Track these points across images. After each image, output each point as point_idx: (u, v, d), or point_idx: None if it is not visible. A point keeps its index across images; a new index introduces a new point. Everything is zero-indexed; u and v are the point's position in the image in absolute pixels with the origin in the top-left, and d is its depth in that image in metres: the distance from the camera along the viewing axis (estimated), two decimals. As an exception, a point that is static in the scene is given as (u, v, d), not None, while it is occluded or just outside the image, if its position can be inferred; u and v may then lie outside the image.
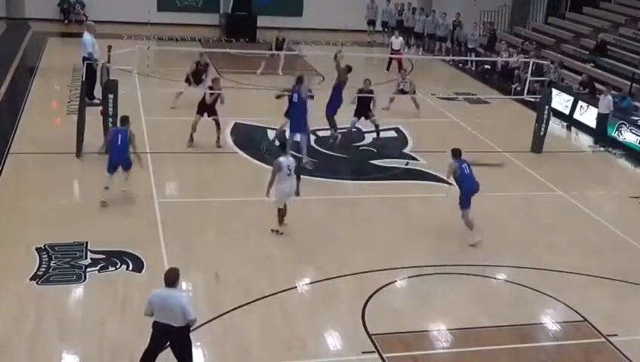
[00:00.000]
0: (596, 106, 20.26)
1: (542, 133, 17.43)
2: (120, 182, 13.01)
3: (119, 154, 12.88)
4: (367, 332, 9.54)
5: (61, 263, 10.74)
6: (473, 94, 22.83)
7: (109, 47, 15.40)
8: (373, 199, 14.22)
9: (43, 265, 10.62)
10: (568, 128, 20.68)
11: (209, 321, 9.48)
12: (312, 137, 16.05)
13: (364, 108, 16.98)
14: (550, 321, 10.23)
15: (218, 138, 16.26)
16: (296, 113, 15.16)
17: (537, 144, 17.43)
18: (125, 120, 13.29)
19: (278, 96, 16.59)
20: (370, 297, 10.42)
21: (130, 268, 10.76)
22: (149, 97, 18.62)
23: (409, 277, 11.23)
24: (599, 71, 23.73)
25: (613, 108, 18.87)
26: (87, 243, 11.30)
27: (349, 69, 16.61)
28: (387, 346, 9.25)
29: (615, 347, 9.62)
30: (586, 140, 19.83)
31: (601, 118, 18.97)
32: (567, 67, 24.02)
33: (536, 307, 10.65)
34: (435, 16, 29.26)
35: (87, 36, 18.46)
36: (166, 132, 17.01)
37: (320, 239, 12.27)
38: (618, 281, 11.39)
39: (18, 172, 14.24)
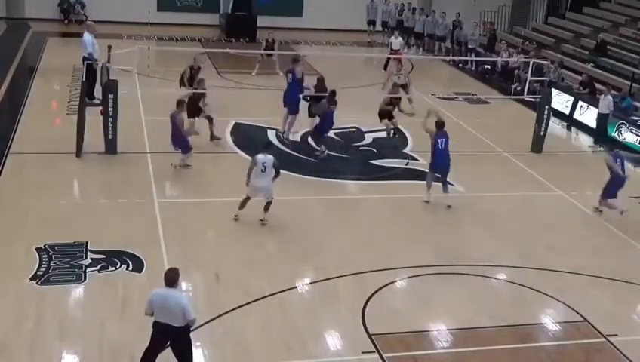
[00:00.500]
0: (596, 106, 20.28)
1: (542, 133, 17.43)
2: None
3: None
4: (367, 332, 9.54)
5: (61, 263, 10.73)
6: (473, 94, 22.84)
7: (109, 47, 15.41)
8: (373, 199, 14.21)
9: (43, 265, 10.62)
10: (568, 128, 20.68)
11: (209, 321, 9.48)
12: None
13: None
14: (550, 321, 10.23)
15: (212, 133, 16.33)
16: (291, 93, 15.26)
17: (537, 144, 17.43)
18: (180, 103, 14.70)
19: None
20: (370, 297, 10.42)
21: (130, 268, 10.76)
22: (149, 97, 18.61)
23: (409, 277, 11.22)
24: (599, 71, 23.73)
25: (613, 108, 18.86)
26: (87, 243, 11.30)
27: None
28: (387, 346, 9.24)
29: (615, 347, 9.62)
30: (586, 140, 19.84)
31: (602, 118, 18.95)
32: (567, 67, 24.02)
33: (536, 307, 10.65)
34: (435, 16, 29.28)
35: (87, 36, 18.47)
36: (166, 132, 16.97)
37: (320, 239, 12.27)
38: (618, 281, 11.39)
39: (18, 172, 14.24)
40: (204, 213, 12.96)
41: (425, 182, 14.01)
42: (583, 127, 20.28)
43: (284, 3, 32.06)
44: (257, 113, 18.48)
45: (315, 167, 15.44)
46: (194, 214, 12.87)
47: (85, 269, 10.61)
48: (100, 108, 15.43)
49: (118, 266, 10.77)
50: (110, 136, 15.10)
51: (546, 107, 17.40)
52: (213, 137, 16.37)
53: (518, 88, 22.64)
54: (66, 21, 30.42)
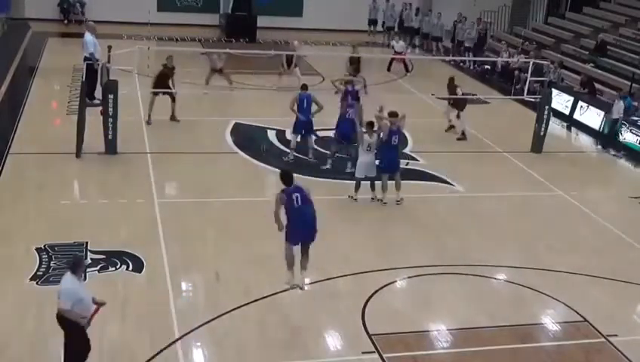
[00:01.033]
0: (596, 106, 20.30)
1: (542, 133, 17.43)
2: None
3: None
4: (367, 332, 9.54)
5: (61, 263, 10.71)
6: (473, 94, 22.81)
7: (109, 47, 15.41)
8: (373, 199, 14.20)
9: (43, 265, 10.62)
10: (568, 128, 20.68)
11: (209, 321, 9.47)
12: (312, 137, 16.03)
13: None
14: (550, 321, 10.23)
15: (173, 113, 17.41)
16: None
17: (537, 144, 17.43)
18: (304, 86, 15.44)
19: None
20: (370, 297, 10.42)
21: (130, 268, 10.75)
22: (149, 97, 18.58)
23: (409, 277, 11.23)
24: (599, 71, 23.73)
25: (623, 113, 18.66)
26: (87, 243, 11.30)
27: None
28: (387, 346, 9.24)
29: (615, 347, 9.62)
30: (586, 140, 19.84)
31: (613, 123, 18.71)
32: (567, 67, 24.00)
33: (536, 307, 10.65)
34: (431, 16, 29.32)
35: (88, 36, 18.46)
36: (166, 132, 17.02)
37: (320, 239, 12.24)
38: (618, 281, 11.39)
39: (18, 172, 14.24)
40: (204, 213, 12.96)
41: (425, 182, 14.03)
42: (583, 128, 20.28)
43: (284, 3, 32.06)
44: (257, 113, 18.48)
45: (315, 167, 15.43)
46: (194, 214, 12.87)
47: (85, 269, 10.59)
48: (100, 108, 15.43)
49: (118, 266, 10.77)
50: (110, 137, 15.10)
51: (546, 107, 17.40)
52: (173, 118, 17.31)
53: (517, 86, 22.66)
54: (65, 21, 30.43)
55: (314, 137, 15.95)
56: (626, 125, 18.69)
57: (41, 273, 10.42)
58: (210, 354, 8.93)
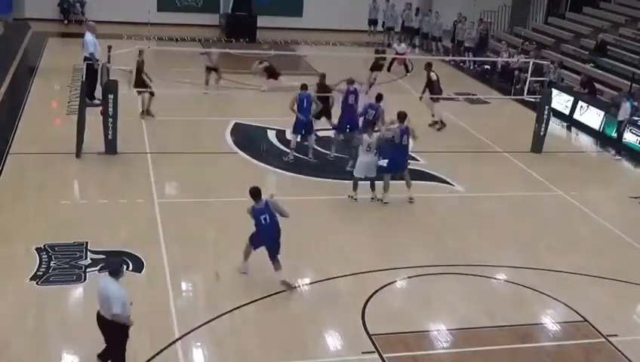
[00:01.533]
0: (596, 106, 20.28)
1: (542, 133, 17.43)
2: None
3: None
4: (367, 332, 9.54)
5: (61, 263, 10.74)
6: (473, 94, 22.83)
7: (109, 47, 15.42)
8: (373, 199, 14.20)
9: (43, 265, 10.62)
10: (568, 128, 20.68)
11: (209, 321, 9.48)
12: (313, 137, 16.03)
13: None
14: (550, 321, 10.23)
15: (148, 107, 17.62)
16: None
17: (537, 144, 17.43)
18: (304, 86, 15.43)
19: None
20: (370, 297, 10.42)
21: (130, 268, 10.74)
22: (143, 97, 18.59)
23: (409, 277, 11.23)
24: (599, 71, 23.72)
25: (629, 115, 18.36)
26: (87, 243, 11.30)
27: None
28: (387, 346, 9.25)
29: (615, 347, 9.62)
30: (585, 140, 19.84)
31: (619, 126, 18.40)
32: (567, 67, 24.00)
33: (536, 307, 10.65)
34: (431, 16, 29.35)
35: (88, 36, 18.45)
36: (166, 132, 17.02)
37: (320, 239, 12.28)
38: (618, 281, 11.39)
39: (18, 172, 14.24)
40: (204, 213, 12.96)
41: (425, 182, 14.03)
42: (583, 128, 20.28)
43: (284, 3, 32.06)
44: (257, 113, 18.48)
45: (315, 167, 15.44)
46: (194, 214, 12.87)
47: (85, 269, 10.61)
48: (100, 108, 15.44)
49: (118, 266, 10.76)
50: (110, 137, 15.10)
51: (546, 107, 17.40)
52: (147, 112, 17.56)
53: (517, 86, 22.67)
54: (65, 21, 30.42)
55: (314, 137, 15.95)
56: (626, 125, 18.56)
57: (41, 273, 10.42)
58: (210, 354, 8.94)
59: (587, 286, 11.30)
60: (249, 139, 17.08)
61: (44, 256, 10.86)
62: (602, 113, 19.82)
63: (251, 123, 18.11)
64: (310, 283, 10.87)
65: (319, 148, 16.19)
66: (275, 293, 10.30)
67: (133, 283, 10.34)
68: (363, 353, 9.14)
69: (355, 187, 13.73)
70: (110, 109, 14.96)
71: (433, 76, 18.49)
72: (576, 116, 20.76)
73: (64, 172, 14.31)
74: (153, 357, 8.62)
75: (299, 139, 15.74)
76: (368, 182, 13.81)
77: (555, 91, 20.01)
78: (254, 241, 10.55)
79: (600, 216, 13.96)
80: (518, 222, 13.61)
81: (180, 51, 25.19)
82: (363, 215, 13.48)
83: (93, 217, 12.39)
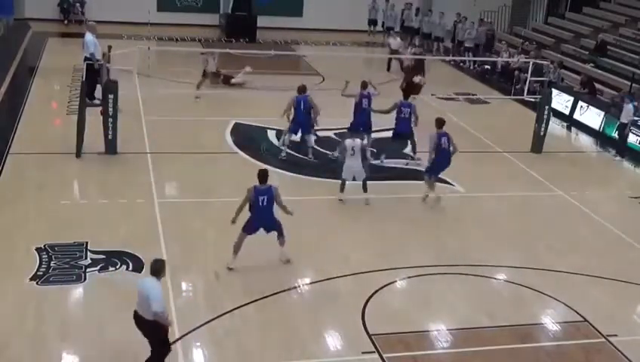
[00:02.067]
0: (596, 106, 20.28)
1: (542, 133, 17.43)
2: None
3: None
4: (367, 332, 9.54)
5: (61, 263, 10.74)
6: (473, 94, 22.83)
7: (109, 47, 15.42)
8: (373, 199, 14.18)
9: (43, 265, 10.62)
10: (568, 128, 20.69)
11: (209, 321, 9.48)
12: (312, 137, 16.04)
13: None
14: (550, 321, 10.23)
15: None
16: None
17: (537, 144, 17.44)
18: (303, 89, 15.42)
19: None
20: (370, 297, 10.42)
21: (130, 268, 10.76)
22: (149, 97, 18.62)
23: (409, 277, 11.23)
24: (599, 71, 23.74)
25: (632, 116, 18.16)
26: (87, 243, 11.30)
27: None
28: (387, 346, 9.25)
29: (615, 347, 9.62)
30: (585, 140, 19.85)
31: (622, 128, 18.21)
32: (567, 67, 24.01)
33: (536, 307, 10.65)
34: (432, 16, 29.33)
35: (89, 36, 18.43)
36: (166, 132, 17.02)
37: (320, 239, 12.28)
38: (618, 281, 11.39)
39: (18, 172, 14.24)
40: (204, 213, 12.96)
41: (423, 182, 14.03)
42: (583, 128, 20.28)
43: (284, 3, 32.06)
44: (257, 113, 18.48)
45: (315, 167, 15.44)
46: (194, 214, 12.87)
47: (85, 269, 10.62)
48: (100, 108, 15.44)
49: (118, 266, 10.78)
50: (110, 137, 15.11)
51: (546, 107, 17.40)
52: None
53: (517, 86, 22.67)
54: (65, 21, 30.42)
55: (313, 137, 15.94)
56: (633, 129, 18.37)
57: (41, 273, 10.42)
58: (210, 354, 8.94)
59: (587, 286, 11.30)
60: (249, 139, 17.08)
61: (44, 256, 10.86)
62: (602, 113, 19.83)
63: (251, 123, 18.11)
64: (310, 283, 10.87)
65: (319, 148, 16.19)
66: (275, 293, 10.31)
67: (134, 283, 10.35)
68: (363, 353, 9.14)
69: (341, 189, 13.67)
70: (110, 109, 14.96)
71: (416, 80, 18.78)
72: (576, 116, 20.76)
73: (64, 172, 14.31)
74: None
75: (297, 139, 15.73)
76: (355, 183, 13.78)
77: (555, 91, 20.02)
78: (249, 227, 10.75)
79: (600, 216, 13.96)
80: (518, 222, 13.61)
81: (180, 51, 25.20)
82: (363, 215, 13.47)
83: (93, 217, 12.39)
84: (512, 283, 11.28)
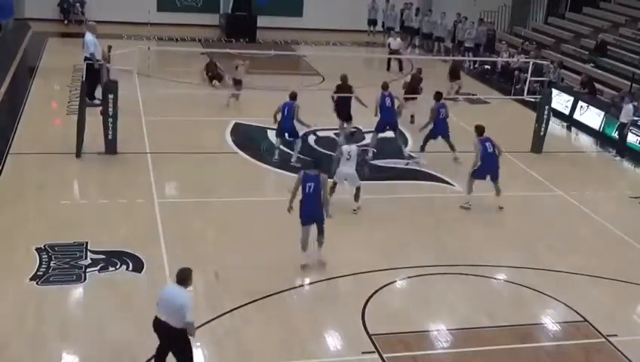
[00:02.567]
0: (596, 106, 20.28)
1: (542, 133, 17.43)
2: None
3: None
4: (367, 332, 9.54)
5: (61, 263, 10.74)
6: (473, 94, 22.82)
7: (110, 47, 15.42)
8: (373, 199, 14.18)
9: (43, 265, 10.62)
10: (568, 128, 20.68)
11: (209, 321, 9.48)
12: (312, 137, 16.03)
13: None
14: (550, 321, 10.23)
15: None
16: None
17: (537, 144, 17.43)
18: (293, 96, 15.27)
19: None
20: (370, 297, 10.42)
21: (130, 268, 10.76)
22: (149, 97, 18.61)
23: (409, 277, 11.23)
24: (599, 71, 23.73)
25: (632, 116, 18.10)
26: (87, 243, 11.30)
27: None
28: (387, 346, 9.24)
29: (615, 347, 9.62)
30: (585, 140, 19.84)
31: (622, 128, 18.15)
32: (567, 67, 24.00)
33: (536, 307, 10.65)
34: (432, 16, 29.33)
35: (89, 36, 18.43)
36: (166, 132, 17.02)
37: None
38: (618, 281, 11.39)
39: (18, 172, 14.24)
40: (204, 213, 12.96)
41: (425, 182, 14.04)
42: (583, 128, 20.28)
43: (284, 3, 32.07)
44: (257, 113, 18.47)
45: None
46: (194, 214, 12.87)
47: (85, 269, 10.61)
48: (100, 108, 15.44)
49: (118, 266, 10.77)
50: (110, 136, 15.11)
51: (546, 107, 17.40)
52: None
53: (517, 86, 22.66)
54: (65, 21, 30.43)
55: (299, 143, 15.76)
56: (633, 129, 18.35)
57: (41, 273, 10.42)
58: (210, 354, 8.93)
59: (587, 286, 11.30)
60: (249, 139, 17.08)
61: (44, 256, 10.86)
62: (602, 113, 19.82)
63: (251, 123, 18.11)
64: (310, 283, 10.87)
65: (320, 149, 16.17)
66: (275, 293, 10.31)
67: (134, 283, 10.37)
68: (363, 353, 9.14)
69: (332, 190, 13.23)
70: (110, 109, 14.96)
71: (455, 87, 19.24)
72: (576, 116, 20.76)
73: (64, 172, 14.31)
74: (153, 357, 8.60)
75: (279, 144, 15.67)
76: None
77: (555, 91, 20.02)
78: (301, 217, 10.97)
79: (600, 216, 13.96)
80: (518, 222, 13.61)
81: (180, 51, 25.20)
82: (363, 215, 13.46)
83: (93, 217, 12.39)
84: (512, 283, 11.28)
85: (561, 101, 21.09)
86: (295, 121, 15.33)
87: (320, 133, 17.23)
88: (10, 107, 18.81)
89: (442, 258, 11.80)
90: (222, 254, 11.46)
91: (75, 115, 15.72)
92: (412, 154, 16.23)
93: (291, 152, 15.69)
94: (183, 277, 7.83)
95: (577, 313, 10.35)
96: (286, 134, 15.55)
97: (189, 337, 7.90)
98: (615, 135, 18.63)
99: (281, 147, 15.54)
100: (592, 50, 25.28)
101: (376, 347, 9.23)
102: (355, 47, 29.79)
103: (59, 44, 26.73)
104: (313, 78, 22.44)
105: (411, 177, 15.35)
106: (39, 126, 17.05)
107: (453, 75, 21.96)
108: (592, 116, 20.14)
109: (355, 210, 13.27)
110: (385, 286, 10.80)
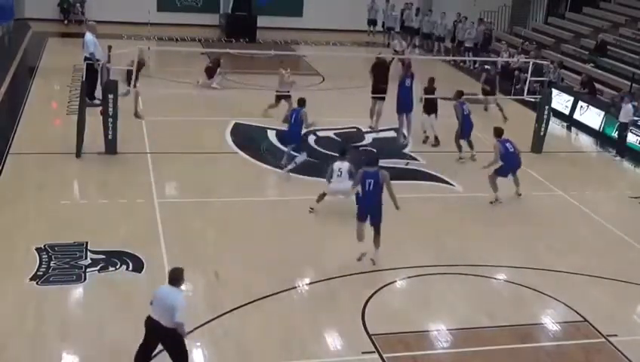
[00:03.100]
0: (596, 106, 20.28)
1: (542, 133, 17.43)
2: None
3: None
4: (367, 332, 9.54)
5: (61, 263, 10.73)
6: (473, 94, 22.79)
7: (109, 47, 15.43)
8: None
9: (43, 265, 10.61)
10: (568, 128, 20.68)
11: (209, 321, 9.47)
12: (312, 137, 16.03)
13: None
14: (550, 321, 10.23)
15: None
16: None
17: (537, 144, 17.43)
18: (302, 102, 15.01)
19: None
20: (370, 297, 10.42)
21: (130, 268, 10.75)
22: (149, 97, 18.60)
23: (409, 277, 11.23)
24: (599, 71, 23.73)
25: (632, 116, 18.09)
26: (87, 243, 11.30)
27: None
28: (387, 346, 9.24)
29: (615, 347, 9.62)
30: (585, 140, 19.84)
31: (622, 128, 18.08)
32: (567, 67, 24.00)
33: (536, 307, 10.65)
34: (432, 15, 29.33)
35: (89, 36, 18.40)
36: (166, 132, 17.02)
37: (320, 239, 12.28)
38: (618, 281, 11.39)
39: (18, 172, 14.24)
40: (204, 213, 12.96)
41: (425, 182, 14.03)
42: (583, 128, 20.28)
43: (284, 3, 32.07)
44: (257, 113, 18.47)
45: (315, 167, 15.41)
46: (194, 214, 12.87)
47: (85, 269, 10.61)
48: (100, 108, 15.44)
49: (118, 266, 10.77)
50: (110, 136, 15.10)
51: (546, 107, 17.40)
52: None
53: (517, 86, 22.64)
54: (65, 21, 30.43)
55: (304, 157, 15.65)
56: (633, 129, 18.31)
57: (41, 273, 10.41)
58: (210, 354, 8.93)
59: (587, 286, 11.30)
60: (249, 139, 17.08)
61: (44, 256, 10.85)
62: (602, 113, 19.82)
63: (251, 123, 18.10)
64: (310, 283, 10.87)
65: (320, 148, 16.15)
66: (275, 293, 10.31)
67: (134, 283, 10.37)
68: (363, 353, 9.14)
69: (318, 199, 13.04)
70: (110, 109, 14.96)
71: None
72: (576, 116, 20.76)
73: (64, 172, 14.31)
74: (153, 357, 8.60)
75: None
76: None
77: (555, 91, 20.02)
78: (359, 213, 11.20)
79: (600, 216, 13.96)
80: (518, 222, 13.61)
81: (180, 51, 25.19)
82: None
83: (93, 217, 12.39)
84: (512, 283, 11.28)
85: (561, 101, 21.10)
86: (303, 128, 15.22)
87: (320, 133, 17.22)
88: (10, 107, 18.81)
89: (442, 258, 11.80)
90: (222, 254, 11.46)
91: (75, 115, 15.71)
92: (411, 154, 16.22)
93: (296, 154, 15.69)
94: (175, 277, 7.86)
95: (577, 313, 10.35)
96: (293, 145, 15.32)
97: (182, 337, 7.91)
98: (615, 135, 18.62)
99: (291, 152, 15.31)
100: (592, 50, 25.28)
101: (376, 347, 9.23)
102: (355, 47, 29.78)
103: (59, 44, 26.73)
104: (313, 78, 22.44)
105: (411, 177, 15.34)
106: (39, 126, 17.05)
107: (486, 90, 20.91)
108: (592, 116, 20.14)
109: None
110: (385, 286, 10.80)
